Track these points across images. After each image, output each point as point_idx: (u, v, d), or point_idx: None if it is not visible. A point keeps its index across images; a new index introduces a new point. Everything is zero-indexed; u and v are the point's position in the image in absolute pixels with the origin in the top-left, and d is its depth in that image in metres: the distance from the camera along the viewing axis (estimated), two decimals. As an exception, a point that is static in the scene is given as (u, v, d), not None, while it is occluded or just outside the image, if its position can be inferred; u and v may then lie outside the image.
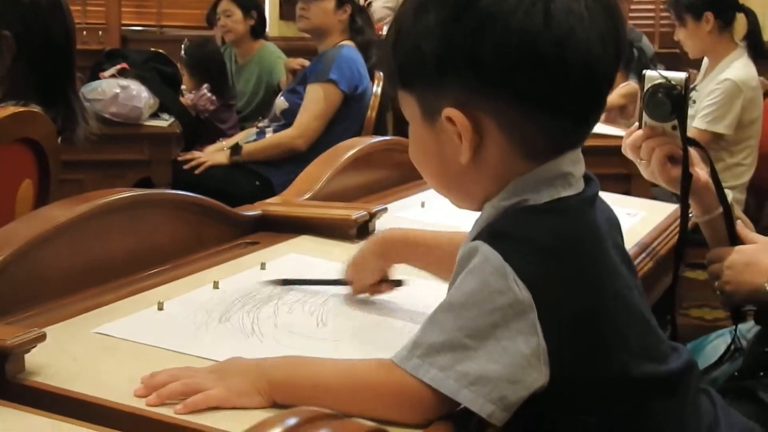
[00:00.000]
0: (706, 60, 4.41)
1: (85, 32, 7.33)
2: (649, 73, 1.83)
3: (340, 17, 4.50)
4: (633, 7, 6.77)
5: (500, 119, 1.21)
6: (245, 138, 4.69)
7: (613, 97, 5.87)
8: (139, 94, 4.24)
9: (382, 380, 1.18)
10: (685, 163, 1.79)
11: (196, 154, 4.60)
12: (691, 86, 4.46)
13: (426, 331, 1.18)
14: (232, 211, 1.94)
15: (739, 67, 4.17)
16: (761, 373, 1.84)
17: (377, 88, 4.62)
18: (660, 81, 1.79)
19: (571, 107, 1.21)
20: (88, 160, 3.91)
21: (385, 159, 2.54)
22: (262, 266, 1.76)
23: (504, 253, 1.16)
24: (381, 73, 4.63)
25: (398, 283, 1.65)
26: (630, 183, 3.69)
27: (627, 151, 1.89)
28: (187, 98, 5.06)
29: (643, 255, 1.98)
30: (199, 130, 4.95)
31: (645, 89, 1.81)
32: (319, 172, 2.27)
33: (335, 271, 1.69)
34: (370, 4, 6.36)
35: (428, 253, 1.61)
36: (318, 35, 4.56)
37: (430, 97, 1.25)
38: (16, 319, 1.42)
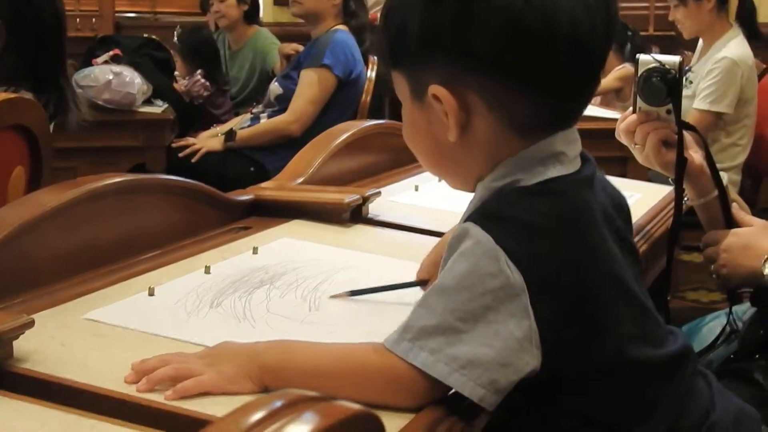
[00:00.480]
0: (700, 41, 4.40)
1: (78, 19, 7.30)
2: (642, 57, 1.82)
3: (333, 2, 4.47)
4: (629, -11, 6.76)
5: (486, 96, 1.20)
6: (239, 124, 4.67)
7: (609, 80, 5.87)
8: (132, 80, 4.22)
9: (373, 364, 1.17)
10: (680, 147, 1.78)
11: (190, 140, 4.59)
12: (686, 68, 4.45)
13: (417, 314, 1.17)
14: (223, 196, 1.92)
15: (736, 46, 4.16)
16: (757, 355, 1.84)
17: (371, 73, 4.60)
18: (654, 65, 1.78)
19: (559, 83, 1.20)
20: (81, 147, 3.90)
21: (378, 143, 2.52)
22: (254, 251, 1.75)
23: (495, 236, 1.15)
24: (375, 57, 4.62)
25: None
26: (626, 166, 3.68)
27: (621, 136, 1.87)
28: (181, 84, 5.05)
29: (638, 237, 1.97)
30: (193, 116, 4.94)
31: (639, 74, 1.79)
32: (312, 156, 2.25)
33: (327, 255, 1.68)
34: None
35: None
36: (311, 20, 4.54)
37: (417, 75, 1.25)
38: (4, 306, 1.40)
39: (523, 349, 1.15)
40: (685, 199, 1.90)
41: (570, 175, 1.24)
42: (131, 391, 1.16)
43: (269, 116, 4.50)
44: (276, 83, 4.59)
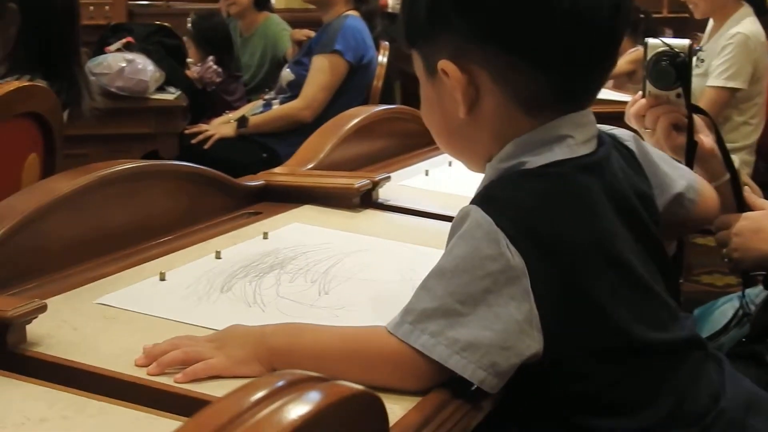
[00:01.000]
0: (710, 22, 4.39)
1: (92, 7, 7.29)
2: (651, 40, 1.81)
3: (344, -13, 4.47)
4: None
5: (491, 71, 1.22)
6: (251, 110, 4.68)
7: (621, 63, 5.85)
8: (144, 67, 4.23)
9: (378, 347, 1.17)
10: (690, 131, 1.78)
11: (202, 126, 4.60)
12: (697, 48, 4.44)
13: (418, 297, 1.18)
14: (234, 182, 1.93)
15: (749, 23, 4.16)
16: (768, 338, 1.84)
17: (383, 58, 4.60)
18: (663, 48, 1.77)
19: (560, 59, 1.21)
20: (94, 134, 3.91)
21: (388, 128, 2.52)
22: (265, 236, 1.75)
23: (496, 218, 1.16)
24: (386, 42, 4.62)
25: None
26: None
27: (631, 120, 1.87)
28: (194, 71, 5.06)
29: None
30: (206, 102, 4.95)
31: (648, 57, 1.79)
32: (322, 141, 2.26)
33: (337, 239, 1.68)
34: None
35: None
36: (322, 6, 4.53)
37: (429, 52, 1.28)
38: (18, 291, 1.41)
39: (523, 331, 1.15)
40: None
41: (574, 159, 1.24)
42: (141, 374, 1.18)
43: (281, 102, 4.50)
44: (287, 69, 4.59)
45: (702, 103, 3.98)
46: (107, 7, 7.48)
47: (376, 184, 2.03)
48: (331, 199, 1.99)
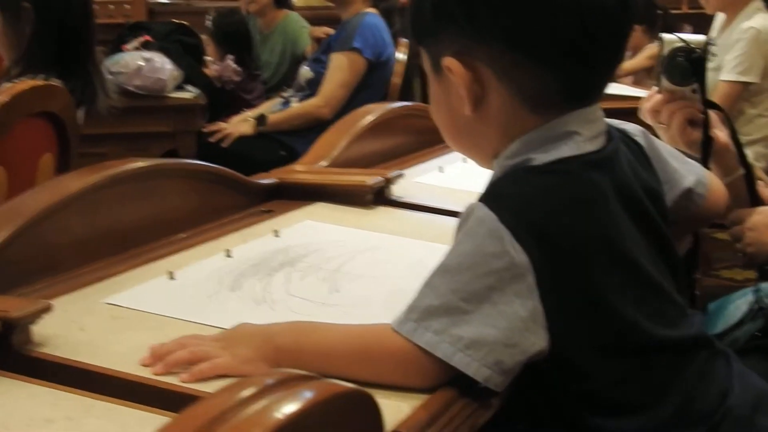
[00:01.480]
0: (720, 16, 4.37)
1: (111, 6, 7.32)
2: (667, 36, 1.80)
3: (362, -16, 4.47)
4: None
5: (496, 68, 1.22)
6: (270, 108, 4.68)
7: (640, 59, 5.85)
8: (162, 66, 4.23)
9: (383, 345, 1.17)
10: (706, 126, 1.76)
11: (221, 125, 4.60)
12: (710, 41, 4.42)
13: (422, 294, 1.17)
14: (246, 180, 1.92)
15: (760, 18, 4.15)
16: (783, 332, 1.82)
17: (402, 55, 4.60)
18: (679, 44, 1.76)
19: (563, 56, 1.21)
20: (112, 133, 3.93)
21: (403, 125, 2.51)
22: (276, 233, 1.75)
23: (500, 215, 1.15)
24: (405, 40, 4.61)
25: None
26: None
27: (646, 116, 1.86)
28: (213, 69, 5.06)
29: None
30: (225, 101, 4.95)
31: (664, 53, 1.78)
32: (336, 138, 2.25)
33: (350, 236, 1.67)
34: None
35: None
36: (341, 3, 4.53)
37: (434, 49, 1.28)
38: (26, 291, 1.41)
39: (528, 329, 1.14)
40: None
41: (581, 156, 1.23)
42: (148, 374, 1.17)
43: (300, 100, 4.51)
44: (306, 67, 4.59)
45: (715, 98, 3.97)
46: (127, 6, 7.51)
47: (389, 181, 2.02)
48: (345, 197, 1.98)
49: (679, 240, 1.44)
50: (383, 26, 4.47)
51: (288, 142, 4.39)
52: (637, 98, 3.76)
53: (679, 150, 1.89)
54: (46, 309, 1.24)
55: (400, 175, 2.06)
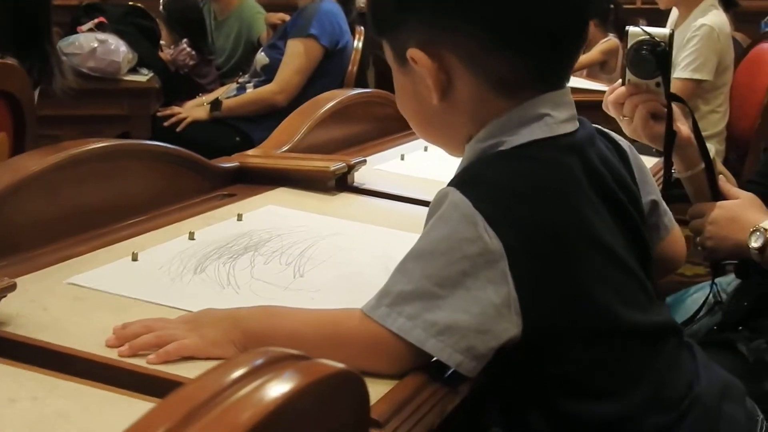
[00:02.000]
0: (674, 12, 4.40)
1: (64, -13, 7.23)
2: (632, 29, 1.81)
3: (319, -29, 4.45)
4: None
5: (462, 54, 1.21)
6: (225, 93, 4.65)
7: (594, 54, 5.89)
8: (117, 48, 4.19)
9: (354, 330, 1.16)
10: (670, 120, 1.77)
11: (175, 109, 4.56)
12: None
13: (395, 279, 1.16)
14: (208, 163, 1.91)
15: (713, 15, 4.17)
16: (740, 327, 1.84)
17: (358, 43, 4.59)
18: (644, 37, 1.77)
19: (529, 38, 1.21)
20: (66, 115, 3.89)
21: (364, 112, 2.51)
22: (239, 217, 1.74)
23: (474, 200, 1.15)
24: (361, 28, 4.60)
25: None
26: (612, 138, 3.68)
27: (609, 108, 1.87)
28: (166, 53, 5.02)
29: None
30: (179, 85, 4.92)
31: (629, 46, 1.79)
32: (297, 124, 2.24)
33: (312, 222, 1.67)
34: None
35: None
36: (298, -11, 4.51)
37: (397, 40, 1.27)
38: (-14, 269, 1.39)
39: (501, 315, 1.14)
40: (673, 171, 1.89)
41: (552, 139, 1.23)
42: (113, 355, 1.16)
43: (255, 86, 4.48)
44: (262, 53, 4.56)
45: (669, 94, 4.00)
46: (81, -13, 7.40)
47: (351, 168, 2.01)
48: (307, 182, 1.97)
49: None
50: (341, 13, 4.45)
51: (243, 128, 4.37)
52: (591, 91, 3.80)
53: (639, 143, 1.90)
54: (11, 287, 1.22)
55: (362, 162, 2.05)
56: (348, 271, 1.53)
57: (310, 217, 1.79)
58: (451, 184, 1.19)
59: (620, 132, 1.90)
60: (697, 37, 4.10)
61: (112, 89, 4.24)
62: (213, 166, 1.93)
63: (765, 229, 1.74)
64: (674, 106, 1.82)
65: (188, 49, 5.02)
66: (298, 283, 1.46)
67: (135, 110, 4.30)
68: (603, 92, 1.91)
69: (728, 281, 2.04)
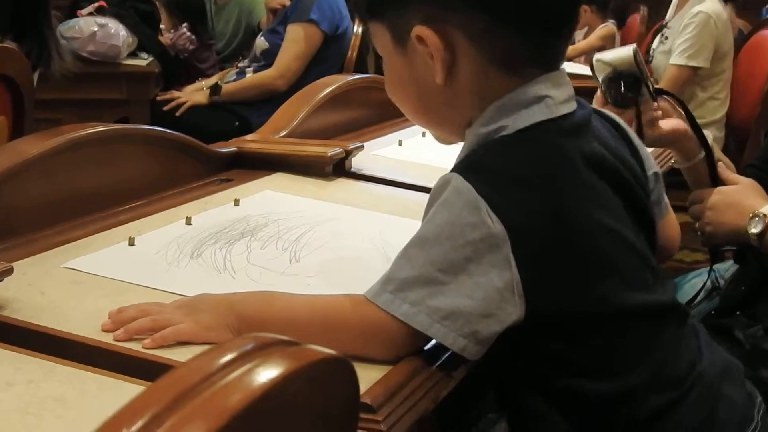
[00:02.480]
0: None
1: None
2: (596, 63, 1.83)
3: (319, -45, 4.44)
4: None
5: (469, 31, 1.20)
6: (225, 78, 4.65)
7: (592, 39, 5.89)
8: (117, 32, 4.19)
9: (354, 316, 1.16)
10: (639, 126, 1.79)
11: (175, 93, 4.56)
12: (664, 23, 4.46)
13: (398, 265, 1.16)
14: (206, 148, 1.91)
15: (711, 2, 4.18)
16: (737, 312, 1.84)
17: (358, 28, 4.58)
18: (610, 74, 1.79)
19: (534, 18, 1.21)
20: (65, 99, 3.88)
21: (362, 97, 2.51)
22: (236, 202, 1.74)
23: (476, 186, 1.14)
24: (362, 12, 4.58)
25: None
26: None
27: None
28: (166, 38, 5.02)
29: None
30: (178, 69, 4.91)
31: (599, 79, 1.81)
32: (295, 109, 2.24)
33: (309, 207, 1.67)
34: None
35: None
36: (298, -26, 4.50)
37: (398, 20, 1.25)
38: (-17, 253, 1.40)
39: (504, 299, 1.14)
40: (672, 161, 1.90)
41: (553, 121, 1.23)
42: (109, 339, 1.16)
43: (255, 71, 4.48)
44: (262, 38, 4.56)
45: (664, 81, 4.01)
46: (81, -28, 7.39)
47: (349, 153, 2.02)
48: (304, 167, 1.97)
49: None
50: (340, -1, 4.45)
51: (242, 113, 4.37)
52: (588, 77, 3.79)
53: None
54: (8, 271, 1.22)
55: (359, 147, 2.05)
56: (344, 257, 1.53)
57: (307, 202, 1.79)
58: (454, 170, 1.19)
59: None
60: (693, 24, 4.11)
61: (111, 73, 4.23)
62: (210, 151, 1.93)
63: (764, 215, 1.74)
64: (668, 100, 1.83)
65: (188, 33, 5.02)
66: (294, 268, 1.47)
67: (134, 94, 4.30)
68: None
69: (726, 267, 2.05)
